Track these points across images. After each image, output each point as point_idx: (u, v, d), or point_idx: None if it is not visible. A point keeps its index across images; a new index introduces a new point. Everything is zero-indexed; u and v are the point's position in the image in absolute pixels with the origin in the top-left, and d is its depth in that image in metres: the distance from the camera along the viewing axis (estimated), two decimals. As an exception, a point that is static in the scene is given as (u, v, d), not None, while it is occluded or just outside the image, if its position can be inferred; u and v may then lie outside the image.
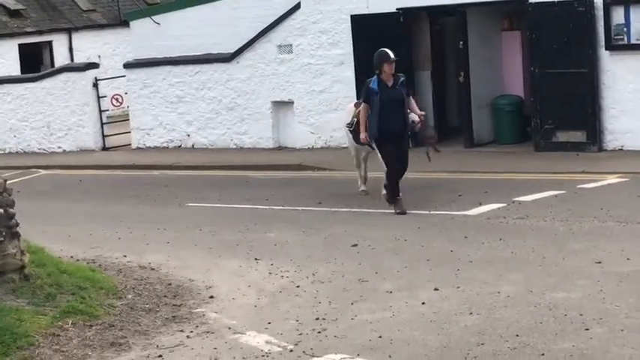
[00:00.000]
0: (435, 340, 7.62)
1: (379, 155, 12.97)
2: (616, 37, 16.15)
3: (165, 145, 21.63)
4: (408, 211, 12.62)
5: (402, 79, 12.85)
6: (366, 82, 13.04)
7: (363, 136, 12.96)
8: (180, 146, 21.41)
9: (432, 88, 18.73)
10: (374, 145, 13.12)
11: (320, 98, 19.49)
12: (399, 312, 8.43)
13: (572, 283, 8.78)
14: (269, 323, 8.39)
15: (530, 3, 16.79)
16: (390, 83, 12.74)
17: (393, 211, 12.61)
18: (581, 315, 7.85)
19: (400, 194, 12.76)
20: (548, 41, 16.55)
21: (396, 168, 12.73)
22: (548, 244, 10.32)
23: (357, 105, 13.68)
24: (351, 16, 18.69)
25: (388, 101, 12.63)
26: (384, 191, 13.04)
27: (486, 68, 18.05)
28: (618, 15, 16.07)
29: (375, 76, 12.77)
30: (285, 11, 19.63)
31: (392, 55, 12.67)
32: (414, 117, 13.08)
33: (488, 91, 17.98)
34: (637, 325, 7.51)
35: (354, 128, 13.52)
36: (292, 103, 19.90)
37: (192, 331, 8.33)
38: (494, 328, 7.73)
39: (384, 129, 12.67)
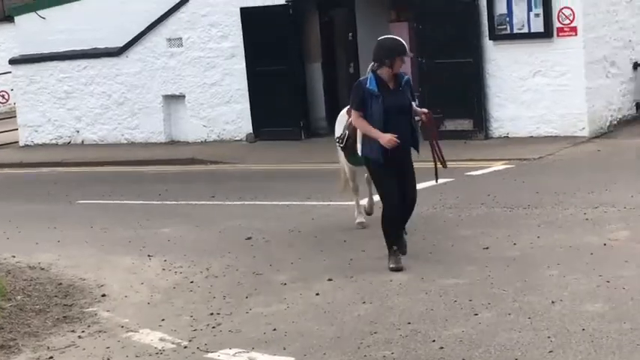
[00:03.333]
0: (329, 330, 7.70)
1: (375, 186, 9.63)
2: (499, 27, 16.53)
3: (54, 141, 21.25)
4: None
5: (407, 77, 9.37)
6: (357, 82, 9.39)
7: (362, 149, 9.33)
8: (70, 142, 21.07)
9: (322, 79, 18.88)
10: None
11: (212, 91, 19.42)
12: (294, 304, 8.48)
13: (461, 269, 8.97)
14: (163, 320, 8.35)
15: (417, -6, 17.04)
16: (392, 84, 9.19)
17: (387, 264, 9.26)
18: (470, 300, 8.02)
19: (403, 239, 9.46)
20: (434, 32, 16.82)
21: (399, 204, 9.29)
22: (437, 232, 10.52)
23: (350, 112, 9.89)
24: (241, 8, 18.66)
25: (394, 109, 9.08)
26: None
27: (376, 59, 18.24)
28: (501, 5, 16.44)
29: (371, 74, 9.13)
30: (174, 4, 19.49)
31: (408, 48, 9.27)
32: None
33: (378, 82, 18.17)
34: (523, 308, 7.73)
35: (345, 144, 10.18)
36: (184, 96, 19.78)
37: (84, 331, 8.22)
38: (386, 317, 7.84)
39: (388, 149, 9.09)
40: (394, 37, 9.47)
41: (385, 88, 9.15)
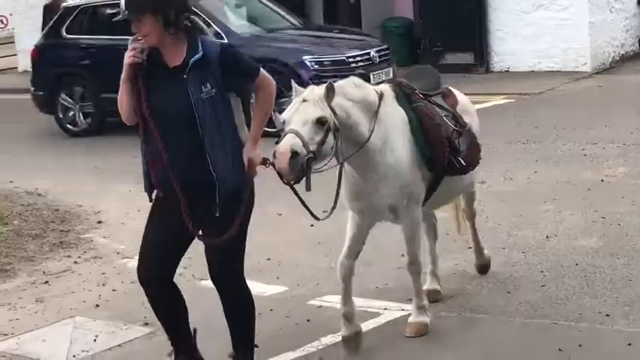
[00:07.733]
0: (324, 261, 7.70)
1: None
2: (503, -40, 16.36)
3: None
4: None
5: (198, 55, 4.96)
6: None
7: None
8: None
9: (322, 9, 18.68)
10: None
11: None
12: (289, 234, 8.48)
13: (457, 203, 8.95)
14: (158, 247, 8.35)
15: None
16: (172, 60, 5.00)
17: None
18: (464, 234, 8.01)
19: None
20: (437, -37, 16.63)
21: (153, 275, 5.43)
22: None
23: None
24: None
25: (164, 111, 5.04)
26: None
27: (377, -10, 18.07)
28: (507, -63, 16.26)
29: None
30: None
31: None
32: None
33: (379, 13, 18.04)
34: (518, 243, 7.75)
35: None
36: None
37: (79, 257, 8.26)
38: (384, 248, 7.84)
39: (158, 175, 5.34)
40: None
41: (159, 67, 5.02)
